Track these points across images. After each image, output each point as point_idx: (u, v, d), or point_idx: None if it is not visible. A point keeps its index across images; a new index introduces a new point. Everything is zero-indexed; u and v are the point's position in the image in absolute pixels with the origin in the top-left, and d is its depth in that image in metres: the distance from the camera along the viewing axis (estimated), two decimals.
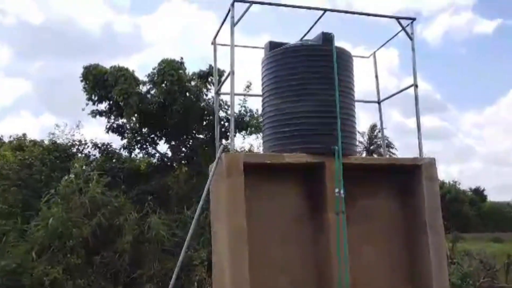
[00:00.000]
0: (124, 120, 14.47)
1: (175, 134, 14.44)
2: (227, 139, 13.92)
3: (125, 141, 14.79)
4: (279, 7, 8.19)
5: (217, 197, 7.86)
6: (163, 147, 15.17)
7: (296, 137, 7.58)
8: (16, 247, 10.16)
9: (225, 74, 9.00)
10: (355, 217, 7.56)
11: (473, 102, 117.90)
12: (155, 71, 14.17)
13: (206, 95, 14.49)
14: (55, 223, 10.14)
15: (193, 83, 14.32)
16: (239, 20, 7.63)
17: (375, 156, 32.64)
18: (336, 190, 7.26)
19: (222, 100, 13.38)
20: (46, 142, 14.24)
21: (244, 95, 14.04)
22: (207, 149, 13.67)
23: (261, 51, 8.64)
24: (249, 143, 17.82)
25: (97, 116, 14.51)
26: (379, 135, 37.32)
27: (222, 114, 14.03)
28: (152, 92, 14.17)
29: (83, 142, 14.47)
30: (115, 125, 14.69)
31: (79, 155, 13.94)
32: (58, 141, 14.03)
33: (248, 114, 14.86)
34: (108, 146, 14.70)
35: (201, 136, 14.73)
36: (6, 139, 16.09)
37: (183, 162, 14.70)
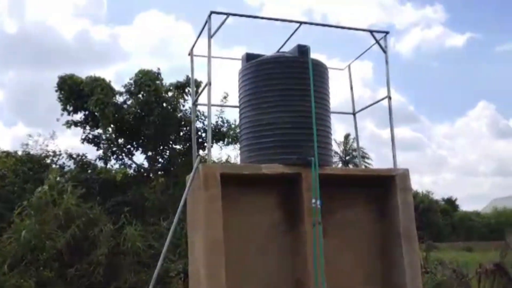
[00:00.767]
0: (100, 131, 14.32)
1: (151, 144, 14.34)
2: (204, 149, 13.88)
3: (100, 151, 14.64)
4: (256, 19, 8.27)
5: (193, 208, 7.81)
6: (139, 157, 15.07)
7: (272, 148, 7.60)
8: None
9: (202, 85, 9.02)
10: (332, 228, 7.60)
11: (445, 113, 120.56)
12: (132, 81, 14.11)
13: (183, 105, 14.47)
14: (28, 235, 9.94)
15: (170, 93, 14.28)
16: (216, 31, 7.65)
17: (350, 166, 32.99)
18: (313, 200, 7.29)
19: (199, 110, 13.37)
20: (19, 153, 13.99)
21: (221, 106, 14.05)
22: (184, 159, 13.61)
23: (238, 62, 8.67)
24: (226, 153, 17.84)
25: (72, 127, 14.34)
26: (354, 145, 37.78)
27: (199, 124, 14.02)
28: (129, 102, 14.08)
29: (57, 153, 14.27)
30: (90, 136, 14.53)
31: (53, 166, 13.72)
32: (31, 152, 13.80)
33: (225, 124, 14.87)
34: (83, 157, 14.51)
35: (178, 146, 14.67)
36: None
37: (159, 172, 14.61)
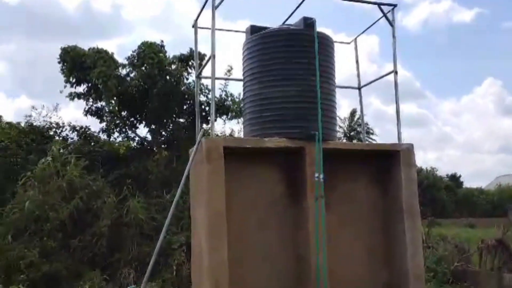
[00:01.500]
0: (103, 103, 14.29)
1: (155, 117, 14.32)
2: (207, 123, 13.88)
3: (104, 124, 14.63)
4: None
5: (197, 182, 7.85)
6: (143, 130, 15.08)
7: (276, 122, 7.59)
8: None
9: (206, 58, 8.95)
10: (334, 202, 7.63)
11: (451, 90, 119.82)
12: (135, 53, 14.01)
13: (187, 78, 14.39)
14: (31, 206, 10.04)
15: (173, 66, 14.19)
16: (220, 2, 7.56)
17: (355, 142, 32.96)
18: (316, 174, 7.31)
19: (203, 84, 13.31)
20: (23, 124, 14.00)
21: (225, 79, 13.96)
22: (188, 133, 13.60)
23: (242, 35, 8.59)
24: (230, 127, 17.80)
25: (75, 99, 14.31)
26: (359, 121, 37.62)
27: (202, 98, 13.97)
28: (132, 75, 14.02)
29: (60, 124, 14.27)
30: (93, 108, 14.51)
31: (57, 137, 13.75)
32: (34, 124, 13.80)
33: (229, 98, 14.81)
34: (87, 129, 14.52)
35: (181, 120, 14.66)
36: None
37: (163, 146, 14.62)
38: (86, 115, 14.50)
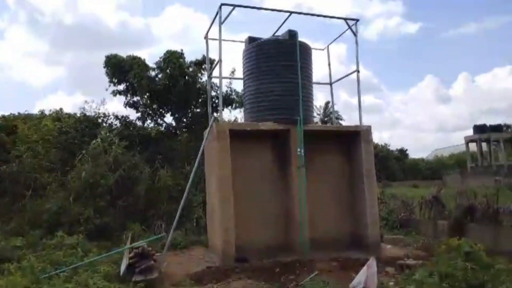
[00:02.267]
0: (138, 98, 14.17)
1: (177, 108, 14.22)
2: (217, 112, 13.75)
3: (139, 114, 14.48)
4: (257, 10, 8.04)
5: (209, 156, 7.90)
6: (168, 118, 14.94)
7: (268, 110, 7.62)
8: (57, 194, 10.03)
9: (215, 62, 8.89)
10: (312, 169, 7.71)
11: (400, 84, 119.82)
12: (161, 59, 13.84)
13: (201, 78, 14.22)
14: (86, 176, 10.02)
15: (190, 69, 14.03)
16: (225, 19, 7.50)
17: (328, 125, 32.88)
18: (298, 149, 7.37)
19: (213, 82, 13.22)
20: (78, 114, 13.88)
21: (230, 78, 13.86)
22: (203, 119, 13.51)
23: (242, 44, 8.55)
24: (234, 115, 17.78)
25: (117, 95, 14.16)
26: (331, 109, 37.49)
27: (213, 93, 13.85)
28: (159, 76, 13.86)
29: (106, 114, 14.11)
30: (131, 102, 14.36)
31: (104, 124, 13.63)
32: (87, 114, 13.67)
33: (233, 93, 14.71)
34: (126, 118, 14.37)
35: (198, 110, 14.53)
36: (47, 112, 15.63)
37: (184, 130, 14.56)
38: (125, 107, 14.39)
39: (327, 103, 40.37)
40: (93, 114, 13.68)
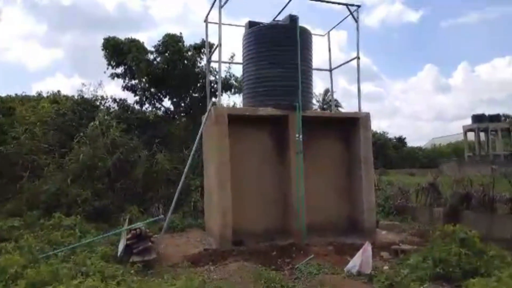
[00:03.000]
0: (136, 81, 14.07)
1: (176, 92, 14.14)
2: (216, 97, 13.73)
3: (137, 97, 14.38)
4: None
5: (208, 140, 7.91)
6: (167, 102, 14.87)
7: (267, 95, 7.59)
8: (55, 175, 10.04)
9: (214, 46, 8.81)
10: (310, 155, 7.74)
11: (400, 73, 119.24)
12: (160, 43, 13.71)
13: (200, 63, 14.11)
14: (84, 158, 10.02)
15: (189, 53, 13.91)
16: (225, 3, 7.42)
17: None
18: (297, 135, 7.38)
19: (212, 67, 13.12)
20: (76, 97, 13.80)
21: (229, 63, 13.76)
22: (201, 104, 13.46)
23: (242, 28, 8.46)
24: (233, 100, 17.70)
25: (115, 78, 14.05)
26: (330, 97, 37.33)
27: (212, 78, 13.75)
28: (158, 59, 13.74)
29: (104, 97, 14.04)
30: (129, 85, 14.26)
31: (102, 107, 13.57)
32: (85, 96, 13.58)
33: (232, 78, 14.62)
34: (124, 101, 14.29)
35: (196, 94, 14.46)
36: (44, 94, 15.57)
37: (182, 114, 14.52)
38: (123, 90, 14.30)
39: (326, 91, 40.25)
40: (90, 96, 13.63)
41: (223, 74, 14.06)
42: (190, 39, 19.50)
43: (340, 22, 8.97)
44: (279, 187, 7.77)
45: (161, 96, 14.59)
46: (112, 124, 11.19)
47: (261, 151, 7.84)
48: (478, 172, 10.42)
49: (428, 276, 5.03)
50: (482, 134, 40.79)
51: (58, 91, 15.15)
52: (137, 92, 14.25)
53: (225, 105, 13.63)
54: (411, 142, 53.13)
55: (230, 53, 13.93)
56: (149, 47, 13.83)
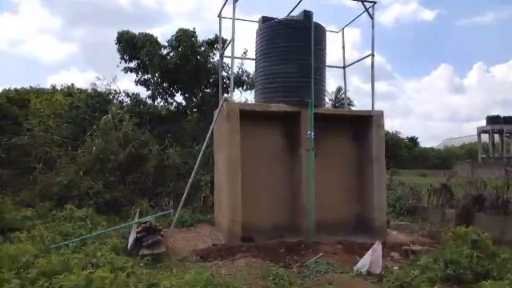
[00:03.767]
0: (149, 76, 14.13)
1: (188, 88, 14.16)
2: (228, 93, 13.72)
3: (149, 92, 14.44)
4: None
5: (219, 135, 7.90)
6: (179, 97, 14.90)
7: (279, 92, 7.55)
8: (67, 167, 10.16)
9: (228, 41, 8.79)
10: (322, 153, 7.68)
11: (414, 72, 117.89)
12: (173, 38, 13.73)
13: (212, 58, 14.11)
14: (97, 150, 10.11)
15: (202, 48, 13.91)
16: None
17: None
18: (308, 132, 7.33)
19: (224, 62, 13.12)
20: (89, 90, 13.93)
21: (242, 58, 13.73)
22: (213, 100, 13.48)
23: (255, 24, 8.42)
24: (244, 97, 17.67)
25: (128, 72, 14.13)
26: (343, 95, 37.06)
27: (224, 74, 13.76)
28: (171, 54, 13.77)
29: (117, 91, 14.14)
30: (142, 79, 14.34)
31: (115, 101, 13.67)
32: (98, 90, 13.71)
33: (244, 74, 14.59)
34: (137, 95, 14.37)
35: (208, 90, 14.47)
36: (58, 87, 15.78)
37: (194, 109, 14.54)
38: (136, 84, 14.39)
39: (338, 89, 39.99)
40: (104, 90, 13.73)
41: (235, 70, 14.05)
42: (203, 35, 19.47)
43: (355, 18, 8.88)
44: (289, 184, 7.73)
45: (173, 91, 14.63)
46: (125, 118, 11.28)
47: (272, 147, 7.81)
48: (492, 174, 10.23)
49: (439, 278, 4.95)
50: (496, 136, 40.06)
51: (72, 84, 15.36)
52: (150, 87, 14.32)
53: (236, 102, 13.66)
54: (424, 143, 52.44)
55: (243, 49, 13.92)
56: (163, 42, 13.88)
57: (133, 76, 14.25)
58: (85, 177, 9.74)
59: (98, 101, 12.95)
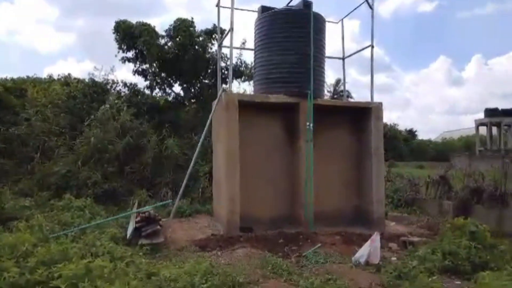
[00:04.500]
0: (147, 66, 14.07)
1: (186, 78, 14.12)
2: (226, 83, 13.68)
3: (147, 82, 14.43)
4: None
5: (217, 126, 7.88)
6: (177, 88, 14.88)
7: (278, 82, 7.51)
8: (66, 157, 10.14)
9: (226, 31, 8.72)
10: (320, 144, 7.68)
11: (412, 64, 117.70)
12: (171, 27, 13.65)
13: (211, 48, 14.06)
14: (95, 140, 10.09)
15: (201, 38, 13.84)
16: None
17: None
18: (307, 123, 7.31)
19: (223, 53, 13.06)
20: (87, 80, 13.85)
21: (241, 49, 13.67)
22: (211, 91, 13.45)
23: (254, 14, 8.35)
24: (243, 88, 17.64)
25: (126, 62, 14.07)
26: (341, 87, 36.97)
27: (223, 64, 13.70)
28: (169, 44, 13.70)
29: (115, 81, 14.07)
30: (140, 69, 14.29)
31: (112, 91, 13.60)
32: (96, 80, 13.63)
33: (243, 65, 14.54)
34: (135, 85, 14.33)
35: (206, 81, 14.43)
36: (55, 77, 15.66)
37: (192, 100, 14.51)
38: (134, 74, 14.35)
39: (337, 81, 39.90)
40: (101, 80, 13.66)
41: (234, 61, 13.98)
42: (201, 24, 19.39)
43: (355, 9, 8.82)
44: (288, 175, 7.74)
45: (172, 82, 14.58)
46: (123, 108, 11.23)
47: (271, 138, 7.80)
48: (491, 166, 10.25)
49: (437, 268, 5.00)
50: (494, 129, 40.12)
51: (69, 74, 15.23)
52: (148, 77, 14.27)
53: (235, 92, 13.61)
54: (422, 135, 52.56)
55: (241, 39, 13.86)
56: (161, 32, 13.80)
57: (131, 66, 14.20)
58: (83, 167, 9.73)
59: (95, 91, 12.88)
